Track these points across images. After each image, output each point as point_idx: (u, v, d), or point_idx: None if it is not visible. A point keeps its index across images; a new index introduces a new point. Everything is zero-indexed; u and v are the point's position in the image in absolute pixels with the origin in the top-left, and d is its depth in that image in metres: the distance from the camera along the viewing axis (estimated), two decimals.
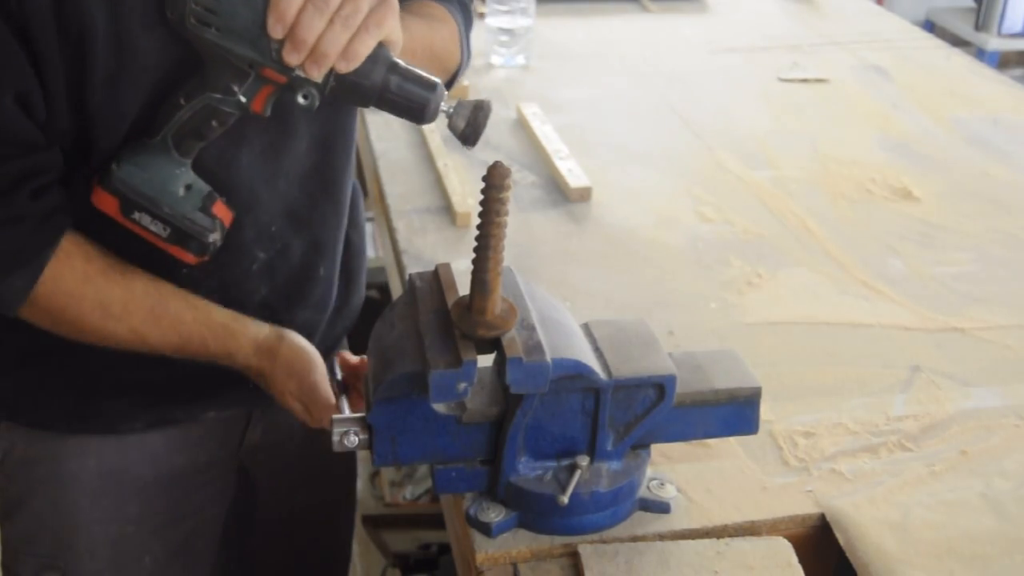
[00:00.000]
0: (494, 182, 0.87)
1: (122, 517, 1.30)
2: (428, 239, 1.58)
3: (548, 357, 0.91)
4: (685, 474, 1.09)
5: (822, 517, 1.07)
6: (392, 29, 1.00)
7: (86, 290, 1.07)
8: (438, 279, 1.01)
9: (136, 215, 1.06)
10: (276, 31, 0.97)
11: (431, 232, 1.60)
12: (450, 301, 0.96)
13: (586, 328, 1.03)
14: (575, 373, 0.94)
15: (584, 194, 1.73)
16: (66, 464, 1.26)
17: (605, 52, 2.44)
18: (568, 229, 1.65)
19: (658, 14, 2.74)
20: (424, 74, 1.03)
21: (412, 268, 1.46)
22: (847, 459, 1.15)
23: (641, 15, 2.74)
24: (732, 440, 1.14)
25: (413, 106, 1.02)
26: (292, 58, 0.97)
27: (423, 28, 1.22)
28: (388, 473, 2.62)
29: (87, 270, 1.07)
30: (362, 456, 1.46)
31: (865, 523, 1.05)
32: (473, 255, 0.90)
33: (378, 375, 0.96)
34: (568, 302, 1.41)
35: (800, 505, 1.08)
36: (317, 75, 0.98)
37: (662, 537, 1.02)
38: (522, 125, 1.99)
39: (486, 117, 1.04)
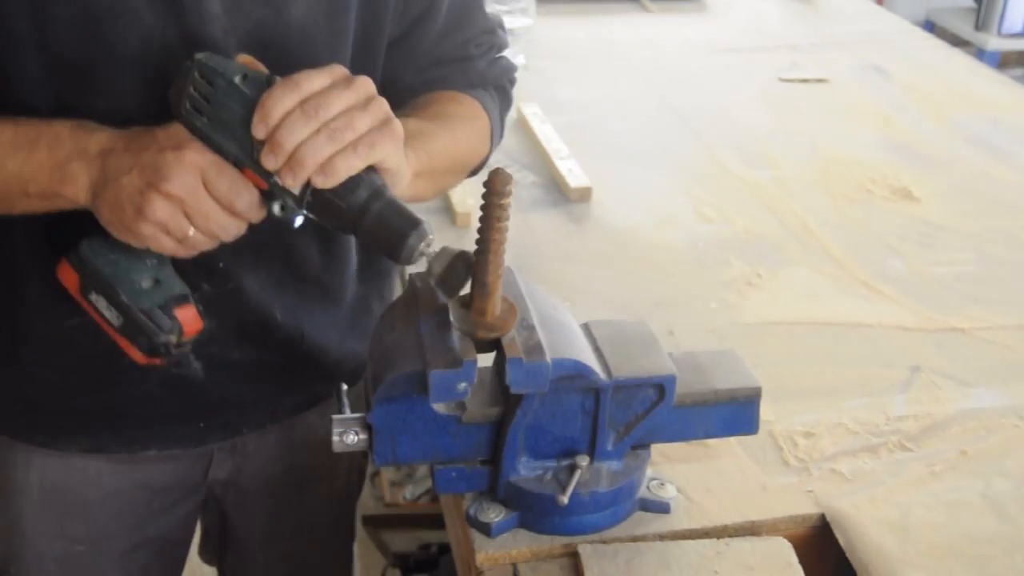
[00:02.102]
0: (495, 188, 0.87)
1: (67, 535, 1.27)
2: None
3: (548, 357, 0.91)
4: (685, 474, 1.09)
5: (822, 517, 1.07)
6: (388, 156, 0.94)
7: None
8: None
9: (93, 296, 1.01)
10: (259, 130, 0.91)
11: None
12: (450, 301, 0.96)
13: (586, 328, 1.03)
14: (575, 373, 0.94)
15: (584, 194, 1.73)
16: (14, 473, 1.25)
17: (605, 52, 2.44)
18: (568, 229, 1.65)
19: (658, 14, 2.74)
20: (409, 212, 0.93)
21: (412, 268, 1.46)
22: (847, 459, 1.15)
23: (641, 15, 2.75)
24: (732, 440, 1.14)
25: (389, 242, 0.92)
26: (269, 161, 0.91)
27: (445, 138, 1.15)
28: (388, 473, 2.62)
29: None
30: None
31: (865, 523, 1.05)
32: (474, 258, 0.91)
33: (378, 375, 0.96)
34: (568, 302, 1.40)
35: (800, 505, 1.08)
36: (291, 184, 0.92)
37: (662, 537, 1.02)
38: (522, 125, 1.99)
39: (466, 271, 0.92)
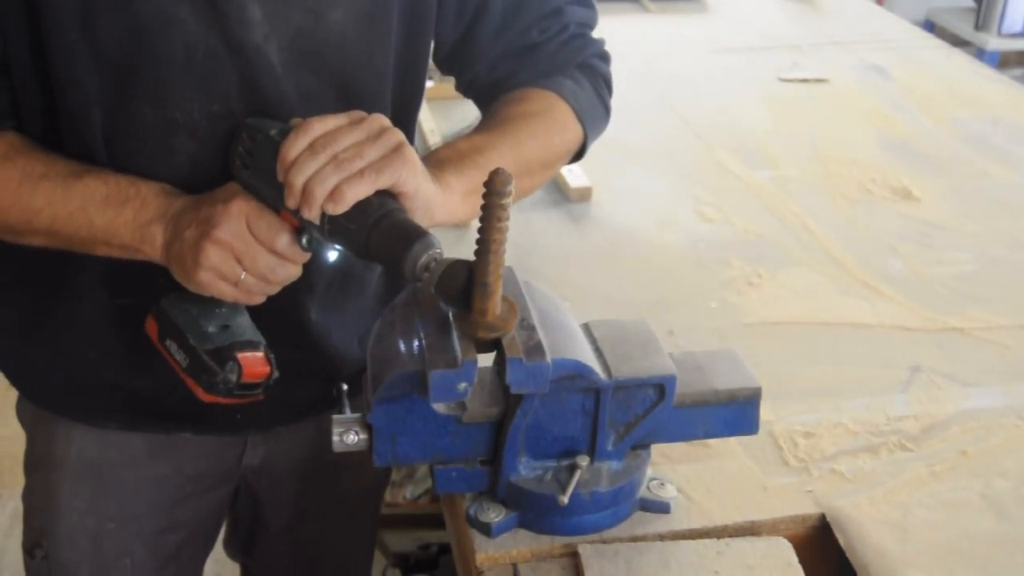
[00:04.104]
0: (496, 189, 0.87)
1: (100, 511, 1.30)
2: None
3: (548, 357, 0.91)
4: (685, 474, 1.09)
5: (822, 517, 1.07)
6: (400, 179, 0.98)
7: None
8: None
9: (167, 342, 1.10)
10: (280, 175, 0.99)
11: (431, 232, 1.60)
12: None
13: (586, 328, 1.03)
14: (575, 373, 0.94)
15: (584, 194, 1.73)
16: (55, 447, 1.28)
17: None
18: (568, 229, 1.65)
19: (658, 14, 2.74)
20: (415, 229, 0.95)
21: None
22: (847, 459, 1.15)
23: (641, 15, 2.75)
24: (732, 440, 1.14)
25: (394, 258, 0.95)
26: (289, 201, 0.98)
27: (505, 148, 1.16)
28: None
29: (2, 175, 1.07)
30: None
31: (865, 523, 1.05)
32: (474, 258, 0.90)
33: (378, 375, 0.96)
34: (568, 302, 1.41)
35: (800, 505, 1.08)
36: (309, 216, 0.97)
37: (662, 537, 1.02)
38: None
39: (459, 282, 0.91)
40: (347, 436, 0.98)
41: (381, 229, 0.96)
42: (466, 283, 0.91)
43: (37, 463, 1.33)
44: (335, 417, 0.99)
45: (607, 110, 1.31)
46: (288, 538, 1.47)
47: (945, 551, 1.02)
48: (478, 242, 0.89)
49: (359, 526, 1.55)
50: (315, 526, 1.47)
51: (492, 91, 1.26)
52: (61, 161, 1.08)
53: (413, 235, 0.94)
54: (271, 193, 1.01)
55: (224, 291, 1.02)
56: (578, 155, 1.29)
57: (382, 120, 1.01)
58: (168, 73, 1.05)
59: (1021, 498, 1.10)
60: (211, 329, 1.08)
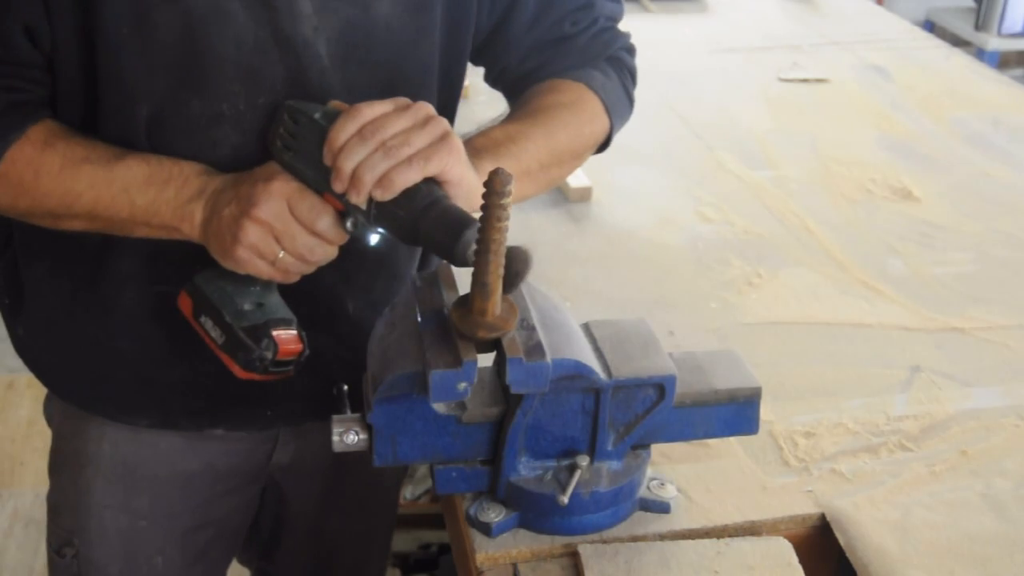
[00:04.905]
0: (495, 188, 0.87)
1: (132, 509, 1.30)
2: None
3: (548, 357, 0.91)
4: (685, 474, 1.09)
5: (822, 517, 1.07)
6: (446, 168, 0.99)
7: (41, 176, 1.08)
8: (438, 279, 1.01)
9: (202, 319, 1.11)
10: (327, 159, 1.00)
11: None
12: (450, 301, 0.96)
13: (586, 328, 1.03)
14: (575, 373, 0.94)
15: (584, 194, 1.73)
16: (86, 445, 1.29)
17: None
18: (568, 229, 1.65)
19: (658, 14, 2.74)
20: (464, 215, 0.98)
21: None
22: (847, 459, 1.15)
23: (641, 15, 2.75)
24: (732, 440, 1.14)
25: (445, 244, 0.97)
26: (337, 184, 0.99)
27: (538, 137, 1.18)
28: None
29: (44, 160, 1.08)
30: None
31: (865, 523, 1.05)
32: (474, 258, 0.91)
33: (378, 375, 0.96)
34: (568, 302, 1.41)
35: (800, 505, 1.08)
36: (357, 201, 0.99)
37: (662, 537, 1.02)
38: None
39: (524, 269, 0.96)
40: (347, 436, 0.98)
41: (430, 216, 0.97)
42: (525, 267, 0.95)
43: (66, 461, 1.32)
44: (335, 417, 1.00)
45: (631, 102, 1.34)
46: (311, 535, 1.48)
47: (945, 551, 1.02)
48: (478, 242, 0.89)
49: (379, 520, 1.57)
50: (338, 522, 1.48)
51: (522, 82, 1.28)
52: (101, 144, 1.09)
53: (464, 223, 0.96)
54: (314, 175, 1.02)
55: (261, 269, 1.04)
56: (603, 146, 1.31)
57: (428, 108, 1.02)
58: (217, 66, 1.06)
59: (1021, 498, 1.10)
60: (246, 307, 1.09)
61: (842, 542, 1.03)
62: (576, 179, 1.74)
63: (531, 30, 1.26)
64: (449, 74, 1.21)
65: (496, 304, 0.92)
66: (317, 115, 1.03)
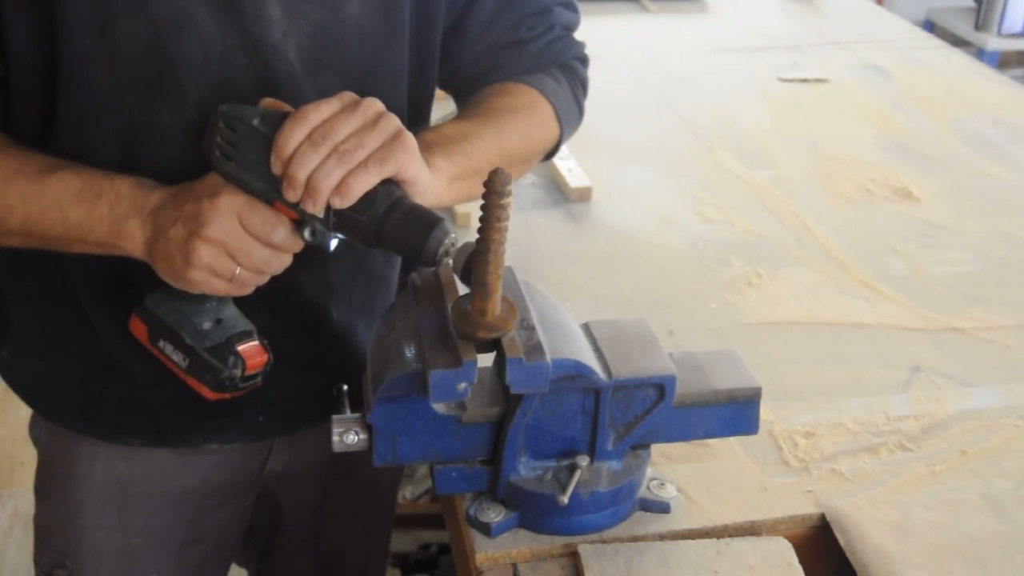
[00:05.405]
0: (495, 188, 0.87)
1: (127, 527, 1.29)
2: None
3: (548, 357, 0.91)
4: (685, 474, 1.09)
5: (822, 517, 1.07)
6: (402, 167, 0.97)
7: None
8: (438, 279, 1.01)
9: (160, 343, 1.07)
10: (276, 167, 0.96)
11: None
12: (450, 301, 0.96)
13: (586, 328, 1.03)
14: (575, 373, 0.94)
15: (584, 194, 1.73)
16: (77, 465, 1.27)
17: (605, 52, 2.43)
18: (568, 229, 1.65)
19: (658, 14, 2.74)
20: (429, 215, 0.96)
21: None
22: (847, 459, 1.15)
23: (641, 15, 2.74)
24: (732, 440, 1.14)
25: (412, 247, 0.95)
26: (289, 194, 0.96)
27: (490, 137, 1.16)
28: None
29: None
30: None
31: (865, 523, 1.05)
32: (474, 259, 0.91)
33: (378, 375, 0.96)
34: (568, 302, 1.41)
35: (800, 505, 1.08)
36: (313, 210, 0.96)
37: (662, 537, 1.02)
38: None
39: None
40: (347, 436, 0.98)
41: (393, 219, 0.95)
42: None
43: (56, 482, 1.30)
44: (335, 417, 0.99)
45: (581, 112, 1.33)
46: (308, 540, 1.47)
47: (945, 551, 1.02)
48: (478, 242, 0.89)
49: (377, 523, 1.56)
50: (335, 526, 1.47)
51: (473, 84, 1.26)
52: (35, 156, 1.05)
53: (429, 222, 0.95)
54: (262, 186, 0.98)
55: (218, 288, 1.00)
56: (550, 153, 1.30)
57: (376, 104, 0.99)
58: (185, 75, 1.04)
59: (1021, 498, 1.10)
60: (205, 325, 1.06)
61: (842, 542, 1.03)
62: (576, 179, 1.74)
63: (487, 31, 1.24)
64: (419, 74, 1.19)
65: (496, 304, 0.92)
66: (256, 121, 0.98)
